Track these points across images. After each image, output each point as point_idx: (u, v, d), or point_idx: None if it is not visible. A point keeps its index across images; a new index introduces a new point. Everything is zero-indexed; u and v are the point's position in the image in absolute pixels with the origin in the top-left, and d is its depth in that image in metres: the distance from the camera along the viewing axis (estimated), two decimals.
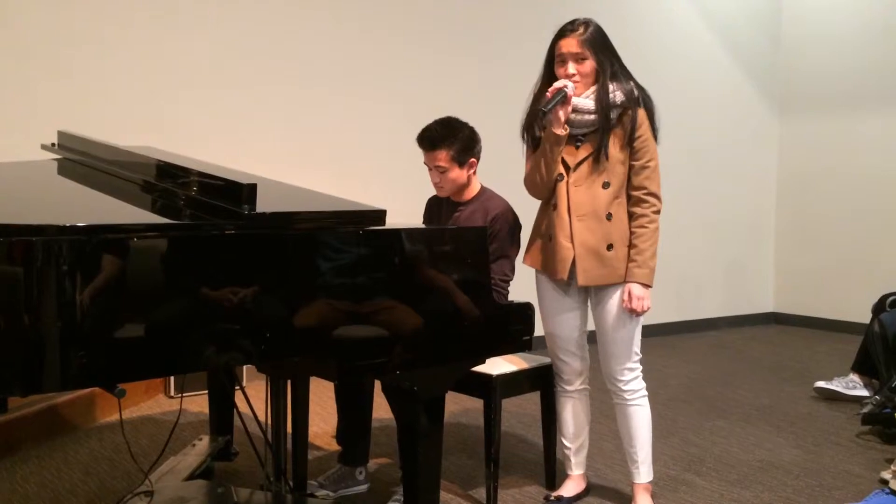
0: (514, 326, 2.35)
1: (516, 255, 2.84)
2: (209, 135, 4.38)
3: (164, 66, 4.32)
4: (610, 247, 2.56)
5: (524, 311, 2.39)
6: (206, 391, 3.17)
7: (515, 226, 2.84)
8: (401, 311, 2.02)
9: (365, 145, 4.91)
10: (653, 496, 2.76)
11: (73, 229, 1.53)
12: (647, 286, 2.58)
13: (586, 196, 2.56)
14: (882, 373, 3.96)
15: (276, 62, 4.64)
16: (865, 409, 3.72)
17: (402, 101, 4.97)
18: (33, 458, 3.19)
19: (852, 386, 4.22)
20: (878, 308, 4.16)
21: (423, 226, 2.85)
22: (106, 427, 3.63)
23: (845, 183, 6.45)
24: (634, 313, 2.58)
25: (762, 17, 6.84)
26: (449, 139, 2.77)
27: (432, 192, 2.96)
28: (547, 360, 2.91)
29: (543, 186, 2.62)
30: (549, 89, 2.48)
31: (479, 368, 2.59)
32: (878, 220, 6.23)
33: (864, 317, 4.29)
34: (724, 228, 6.53)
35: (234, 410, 2.84)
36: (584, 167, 2.57)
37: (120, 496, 2.51)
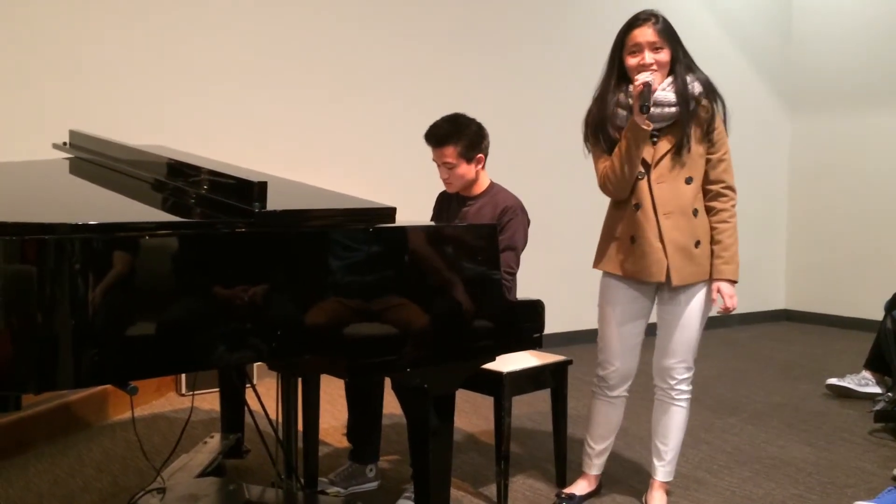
0: (524, 324, 2.34)
1: (523, 248, 2.83)
2: (220, 134, 4.39)
3: (175, 65, 4.34)
4: (697, 244, 2.51)
5: (535, 309, 2.37)
6: (218, 389, 3.18)
7: (525, 220, 2.84)
8: (411, 309, 2.02)
9: (375, 143, 4.91)
10: (667, 494, 2.75)
11: (86, 227, 1.54)
12: (735, 282, 2.55)
13: (671, 192, 2.49)
14: (895, 370, 3.94)
15: (285, 61, 4.65)
16: (878, 407, 3.71)
17: (411, 99, 4.98)
18: (46, 456, 3.21)
19: (865, 383, 4.19)
20: (891, 305, 4.13)
21: (433, 223, 2.84)
22: (118, 424, 3.65)
23: (857, 179, 6.41)
24: (726, 311, 2.55)
25: (772, 13, 6.80)
26: (456, 135, 2.77)
27: (442, 188, 2.96)
28: (558, 357, 2.91)
29: (627, 185, 2.51)
30: (635, 86, 2.38)
31: (489, 366, 2.58)
32: (890, 216, 6.19)
33: (877, 314, 4.27)
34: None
35: (246, 408, 2.85)
36: (666, 163, 2.49)
37: (132, 493, 2.52)
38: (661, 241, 2.49)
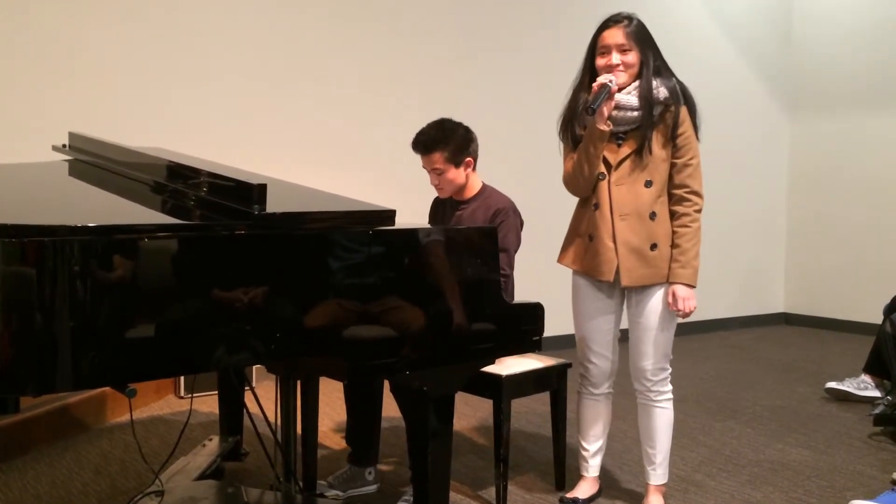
0: (524, 326, 2.34)
1: (516, 250, 2.84)
2: (220, 135, 4.39)
3: (175, 67, 4.34)
4: (654, 246, 2.53)
5: (534, 312, 2.37)
6: (217, 392, 3.18)
7: (517, 221, 2.85)
8: (410, 311, 2.02)
9: (375, 145, 4.91)
10: (664, 497, 2.75)
11: (85, 230, 1.54)
12: (692, 286, 2.54)
13: (629, 195, 2.51)
14: (894, 374, 3.94)
15: (284, 63, 4.66)
16: (877, 410, 3.71)
17: (411, 101, 4.97)
18: (45, 458, 3.21)
19: (864, 387, 4.20)
20: (890, 309, 4.13)
21: (432, 226, 2.85)
22: (117, 427, 3.65)
23: (856, 182, 6.42)
24: (681, 314, 2.55)
25: (773, 15, 6.81)
26: (442, 141, 2.78)
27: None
28: (558, 360, 2.91)
29: (585, 185, 2.56)
30: (594, 85, 2.42)
31: (488, 369, 2.58)
32: (890, 219, 6.20)
33: (876, 317, 4.27)
34: (734, 229, 6.48)
35: (244, 411, 2.85)
36: (627, 165, 2.52)
37: (131, 496, 2.52)
38: (614, 241, 2.52)
